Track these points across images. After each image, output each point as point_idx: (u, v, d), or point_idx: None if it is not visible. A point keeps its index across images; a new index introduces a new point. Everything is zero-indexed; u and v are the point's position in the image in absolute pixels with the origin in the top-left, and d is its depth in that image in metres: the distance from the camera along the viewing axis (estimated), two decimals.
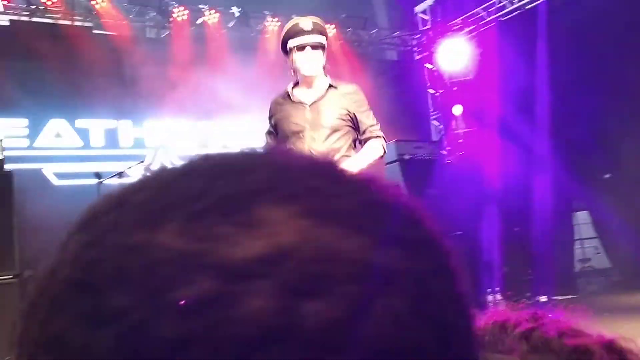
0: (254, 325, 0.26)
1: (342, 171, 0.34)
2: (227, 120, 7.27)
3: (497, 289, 6.43)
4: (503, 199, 6.98)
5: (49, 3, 6.60)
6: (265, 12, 7.59)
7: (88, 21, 6.90)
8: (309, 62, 3.18)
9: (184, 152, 7.23)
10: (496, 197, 7.00)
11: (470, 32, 8.24)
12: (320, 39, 3.20)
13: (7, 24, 6.48)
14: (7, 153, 5.20)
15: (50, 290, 0.31)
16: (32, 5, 6.59)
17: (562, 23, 6.93)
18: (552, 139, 7.12)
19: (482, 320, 0.57)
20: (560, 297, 6.10)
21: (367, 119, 3.27)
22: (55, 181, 6.59)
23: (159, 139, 7.02)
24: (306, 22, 3.20)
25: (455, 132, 8.17)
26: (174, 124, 7.22)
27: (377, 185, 0.33)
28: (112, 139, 6.99)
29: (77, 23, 6.84)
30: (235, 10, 7.44)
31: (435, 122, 8.68)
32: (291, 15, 7.71)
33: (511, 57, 7.18)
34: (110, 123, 6.99)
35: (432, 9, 8.62)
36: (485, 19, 8.10)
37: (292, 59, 3.22)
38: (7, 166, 5.05)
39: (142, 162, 6.38)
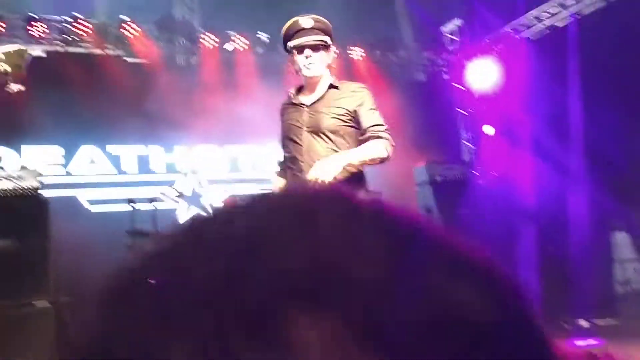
0: None
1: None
2: (255, 145, 7.31)
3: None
4: (538, 219, 6.84)
5: (82, 33, 6.77)
6: None
7: (119, 49, 7.04)
8: (309, 64, 2.96)
9: (214, 176, 7.29)
10: (531, 217, 6.87)
11: (500, 51, 8.18)
12: (322, 37, 2.97)
13: (44, 55, 6.65)
14: (42, 179, 5.30)
15: None
16: (66, 34, 6.77)
17: (593, 40, 6.84)
18: (586, 158, 6.98)
19: None
20: (600, 321, 5.91)
21: (369, 118, 2.95)
22: (89, 207, 6.68)
23: (189, 164, 7.09)
24: (306, 19, 2.98)
25: (487, 152, 8.07)
26: (204, 149, 7.29)
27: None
28: (144, 164, 7.08)
29: (108, 52, 6.99)
30: (263, 35, 7.52)
31: (466, 142, 8.60)
32: None
33: (542, 76, 7.10)
34: (140, 149, 7.08)
35: (460, 29, 8.61)
36: (514, 38, 8.05)
37: (293, 60, 3.03)
38: (43, 192, 5.14)
39: (173, 186, 6.45)
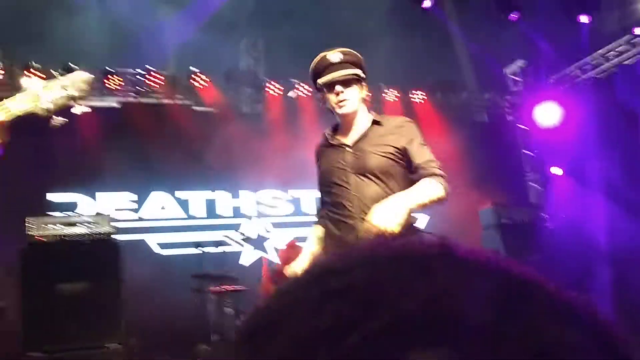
0: None
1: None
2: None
3: None
4: (613, 261, 6.54)
5: (154, 85, 7.12)
6: None
7: (188, 99, 7.34)
8: (342, 100, 2.71)
9: (278, 220, 7.39)
10: (606, 261, 6.57)
11: (565, 90, 8.03)
12: (353, 70, 2.72)
13: (119, 106, 7.02)
14: (115, 224, 5.52)
15: None
16: (139, 86, 7.12)
17: None
18: None
19: None
20: None
21: (421, 155, 2.68)
22: (159, 251, 6.87)
23: (255, 208, 7.23)
24: (334, 54, 2.74)
25: (555, 193, 7.84)
26: (268, 194, 7.42)
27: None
28: (211, 209, 7.25)
29: (178, 101, 7.30)
30: None
31: (533, 184, 8.40)
32: (378, 83, 7.94)
33: (609, 115, 6.90)
34: (208, 194, 7.28)
35: (522, 70, 8.52)
36: (579, 77, 7.89)
37: (324, 98, 2.78)
38: (116, 237, 5.35)
39: (239, 230, 6.57)
